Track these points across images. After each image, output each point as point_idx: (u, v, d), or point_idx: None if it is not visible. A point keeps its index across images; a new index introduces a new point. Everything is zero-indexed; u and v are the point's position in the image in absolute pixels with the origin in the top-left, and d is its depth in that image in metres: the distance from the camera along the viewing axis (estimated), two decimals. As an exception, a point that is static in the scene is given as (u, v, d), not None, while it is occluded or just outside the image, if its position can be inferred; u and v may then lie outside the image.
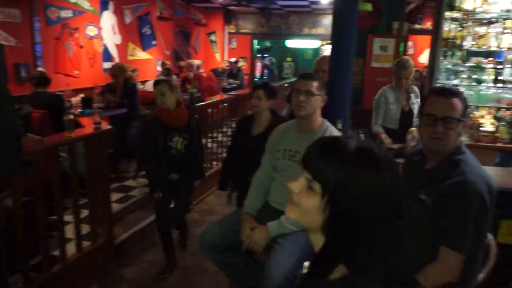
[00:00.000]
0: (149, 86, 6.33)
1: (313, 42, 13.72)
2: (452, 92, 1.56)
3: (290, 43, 14.98)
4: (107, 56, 7.31)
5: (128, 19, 7.94)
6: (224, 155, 5.43)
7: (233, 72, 9.47)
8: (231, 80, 9.26)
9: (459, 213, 1.43)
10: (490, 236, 1.75)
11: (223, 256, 2.28)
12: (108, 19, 7.34)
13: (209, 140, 5.08)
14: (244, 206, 2.32)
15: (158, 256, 3.40)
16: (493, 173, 2.62)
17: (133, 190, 4.56)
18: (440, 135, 1.53)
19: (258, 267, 2.27)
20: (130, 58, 8.00)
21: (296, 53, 16.88)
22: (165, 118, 3.03)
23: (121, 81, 5.20)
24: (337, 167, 0.81)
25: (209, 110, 5.02)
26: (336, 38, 2.75)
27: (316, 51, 15.35)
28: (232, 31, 11.98)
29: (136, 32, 8.27)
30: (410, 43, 7.69)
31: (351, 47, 2.71)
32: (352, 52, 2.73)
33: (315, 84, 2.13)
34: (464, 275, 1.48)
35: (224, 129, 5.55)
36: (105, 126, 3.20)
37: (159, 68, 8.76)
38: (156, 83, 3.17)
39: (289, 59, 17.24)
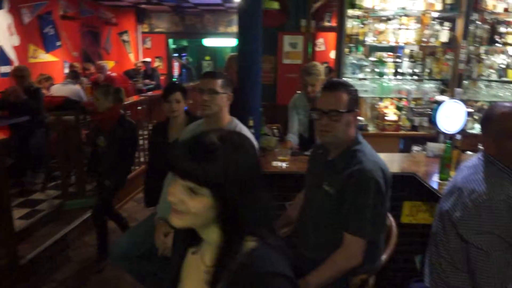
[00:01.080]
0: (55, 91, 5.86)
1: (229, 40, 13.77)
2: (338, 86, 1.63)
3: (207, 42, 14.89)
4: (3, 59, 6.66)
5: (26, 18, 7.30)
6: (142, 159, 5.26)
7: (147, 72, 9.16)
8: (147, 81, 8.96)
9: (358, 200, 1.51)
10: (391, 218, 1.86)
11: (138, 265, 2.18)
12: (3, 19, 6.68)
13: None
14: (157, 211, 2.23)
15: (70, 274, 3.17)
16: (397, 159, 2.83)
17: (41, 203, 4.20)
18: (327, 128, 1.61)
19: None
20: (32, 60, 7.36)
21: (214, 52, 16.83)
22: (95, 119, 3.54)
23: (24, 85, 4.75)
24: (211, 162, 0.84)
25: (124, 112, 4.79)
26: (243, 36, 2.76)
27: (234, 49, 15.44)
28: (146, 30, 11.58)
29: (37, 32, 7.64)
30: (321, 40, 8.05)
31: (258, 44, 2.73)
32: (259, 50, 2.75)
33: (218, 82, 2.11)
34: (368, 257, 1.56)
35: (141, 132, 5.34)
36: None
37: (67, 71, 8.19)
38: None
39: (207, 58, 17.14)
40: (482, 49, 4.48)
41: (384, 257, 1.69)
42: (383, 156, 2.80)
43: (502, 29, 4.41)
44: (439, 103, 2.65)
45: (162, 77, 10.16)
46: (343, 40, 4.10)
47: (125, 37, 11.29)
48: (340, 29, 4.08)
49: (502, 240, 1.34)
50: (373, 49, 4.58)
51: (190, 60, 14.41)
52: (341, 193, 1.54)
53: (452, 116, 2.60)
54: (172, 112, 2.68)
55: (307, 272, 1.50)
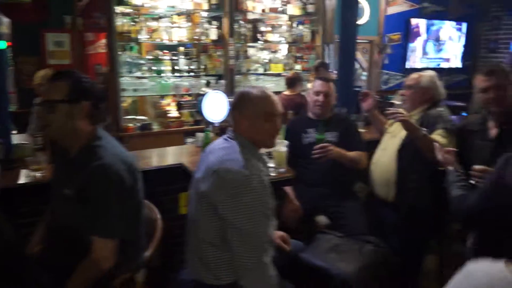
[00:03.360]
0: None
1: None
2: (59, 75, 1.51)
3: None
4: None
5: None
6: None
7: None
8: None
9: (101, 199, 1.42)
10: (156, 210, 1.84)
11: None
12: None
13: None
14: None
15: None
16: (170, 152, 2.86)
17: None
18: (44, 121, 1.49)
19: None
20: None
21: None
22: None
23: None
24: None
25: None
26: None
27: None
28: None
29: None
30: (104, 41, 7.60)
31: None
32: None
33: None
34: (127, 256, 1.50)
35: None
36: None
37: None
38: None
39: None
40: (248, 46, 4.99)
41: (149, 252, 1.66)
42: (155, 152, 2.84)
43: (262, 28, 5.00)
44: (203, 95, 2.79)
45: None
46: (114, 38, 3.94)
47: None
48: (109, 26, 3.90)
49: (262, 214, 1.46)
50: (151, 47, 4.56)
51: None
52: (82, 194, 1.42)
53: (216, 106, 2.77)
54: None
55: None
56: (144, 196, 1.66)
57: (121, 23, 4.04)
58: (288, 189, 2.43)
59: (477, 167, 1.80)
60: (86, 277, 1.40)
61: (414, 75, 2.49)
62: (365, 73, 6.42)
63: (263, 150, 1.83)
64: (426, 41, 6.68)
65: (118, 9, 4.03)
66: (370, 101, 2.67)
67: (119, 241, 1.45)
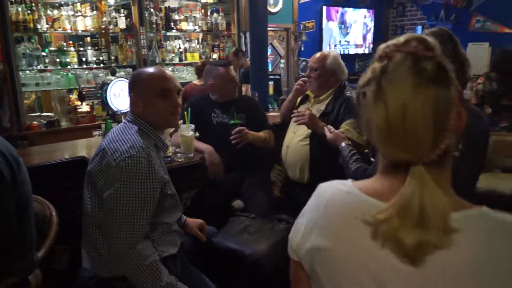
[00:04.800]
0: None
1: None
2: None
3: None
4: None
5: None
6: None
7: None
8: None
9: None
10: (51, 206, 1.69)
11: None
12: None
13: None
14: None
15: None
16: (72, 145, 2.68)
17: None
18: None
19: None
20: None
21: None
22: None
23: None
24: None
25: None
26: None
27: None
28: None
29: None
30: None
31: None
32: None
33: None
34: (11, 256, 1.36)
35: None
36: None
37: None
38: None
39: None
40: (161, 35, 4.82)
41: (42, 252, 1.52)
42: (56, 146, 2.63)
43: (176, 16, 4.86)
44: (108, 84, 2.63)
45: None
46: (9, 27, 3.59)
47: None
48: (1, 15, 3.54)
49: (143, 200, 1.37)
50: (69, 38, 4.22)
51: None
52: None
53: (121, 95, 2.63)
54: None
55: None
56: (33, 191, 1.52)
57: (15, 11, 3.68)
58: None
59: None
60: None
61: (318, 55, 2.47)
62: (283, 60, 6.54)
63: (167, 132, 1.75)
64: (338, 28, 6.95)
65: (11, -4, 3.68)
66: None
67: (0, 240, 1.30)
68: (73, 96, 4.19)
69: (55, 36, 4.33)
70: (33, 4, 3.84)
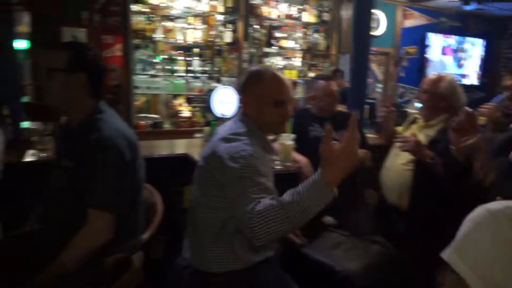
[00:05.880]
0: None
1: None
2: (64, 45, 1.56)
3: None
4: None
5: None
6: None
7: None
8: None
9: (97, 170, 1.39)
10: (156, 194, 1.80)
11: None
12: None
13: None
14: None
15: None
16: (176, 144, 2.84)
17: None
18: (44, 89, 1.50)
19: None
20: None
21: None
22: None
23: None
24: None
25: None
26: None
27: None
28: None
29: None
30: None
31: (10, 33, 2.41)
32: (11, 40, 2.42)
33: None
34: (123, 234, 1.45)
35: None
36: None
37: None
38: None
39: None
40: (262, 51, 4.99)
41: (147, 235, 1.61)
42: (161, 143, 2.82)
43: (277, 34, 5.00)
44: (212, 90, 2.77)
45: None
46: (129, 35, 3.97)
47: None
48: (125, 23, 3.94)
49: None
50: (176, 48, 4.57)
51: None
52: (80, 165, 1.40)
53: (225, 101, 2.75)
54: None
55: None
56: (145, 179, 1.63)
57: (137, 21, 4.07)
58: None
59: None
60: (82, 248, 1.36)
61: (432, 77, 2.32)
62: (380, 85, 6.37)
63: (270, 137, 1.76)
64: (444, 56, 6.61)
65: (135, 7, 4.08)
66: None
67: (116, 217, 1.41)
68: (177, 101, 4.48)
69: (161, 45, 4.66)
70: (153, 16, 4.22)
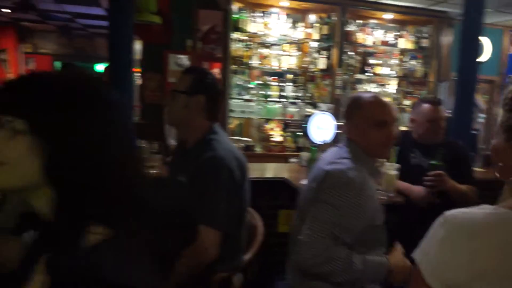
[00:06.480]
0: None
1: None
2: (187, 69, 1.72)
3: (100, 68, 14.16)
4: None
5: None
6: None
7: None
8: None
9: (210, 189, 1.45)
10: (256, 216, 1.83)
11: None
12: None
13: None
14: None
15: None
16: (272, 167, 2.88)
17: None
18: (167, 108, 1.64)
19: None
20: None
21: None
22: None
23: None
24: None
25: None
26: (114, 51, 2.67)
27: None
28: (29, 50, 10.67)
29: None
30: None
31: (129, 60, 2.67)
32: (130, 66, 2.68)
33: None
34: (228, 254, 1.49)
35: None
36: None
37: None
38: None
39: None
40: (354, 77, 4.93)
41: (248, 255, 1.64)
42: (258, 165, 2.87)
43: (371, 60, 4.92)
44: (310, 116, 2.79)
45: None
46: (228, 62, 4.18)
47: (2, 56, 10.26)
48: (224, 50, 4.16)
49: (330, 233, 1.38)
50: (267, 73, 4.75)
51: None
52: (193, 182, 1.48)
53: (323, 127, 2.75)
54: None
55: None
56: (248, 201, 1.67)
57: (235, 48, 4.28)
58: None
59: None
60: (191, 265, 1.42)
61: None
62: (483, 115, 5.90)
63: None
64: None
65: (234, 35, 4.29)
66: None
67: (223, 235, 1.46)
68: (269, 126, 4.57)
69: (261, 71, 4.83)
70: (251, 43, 4.41)
